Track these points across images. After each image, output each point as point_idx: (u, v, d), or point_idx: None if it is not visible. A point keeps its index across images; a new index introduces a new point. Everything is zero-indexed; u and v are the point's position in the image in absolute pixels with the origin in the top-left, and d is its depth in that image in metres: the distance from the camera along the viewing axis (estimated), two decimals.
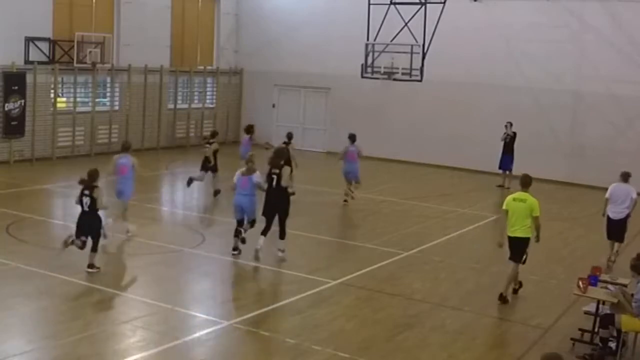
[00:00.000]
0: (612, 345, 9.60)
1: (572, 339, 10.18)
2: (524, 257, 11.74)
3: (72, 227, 15.15)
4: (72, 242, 12.01)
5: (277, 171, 13.16)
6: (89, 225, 11.95)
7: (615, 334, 9.56)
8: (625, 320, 9.33)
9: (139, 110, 25.84)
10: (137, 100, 25.75)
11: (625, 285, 10.14)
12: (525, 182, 11.65)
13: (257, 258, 12.97)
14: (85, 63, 23.30)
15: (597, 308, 9.96)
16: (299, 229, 15.94)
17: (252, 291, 11.63)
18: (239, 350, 9.50)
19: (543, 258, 14.68)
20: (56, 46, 22.95)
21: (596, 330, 9.86)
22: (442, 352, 9.69)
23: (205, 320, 10.30)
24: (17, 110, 21.93)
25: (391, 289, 12.21)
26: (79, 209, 11.98)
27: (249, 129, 19.46)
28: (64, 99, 24.45)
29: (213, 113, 28.87)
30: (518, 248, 11.62)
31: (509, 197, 11.74)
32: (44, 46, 22.73)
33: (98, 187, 11.92)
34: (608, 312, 9.72)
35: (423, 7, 20.75)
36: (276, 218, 13.31)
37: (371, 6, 21.87)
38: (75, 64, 23.13)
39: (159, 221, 16.61)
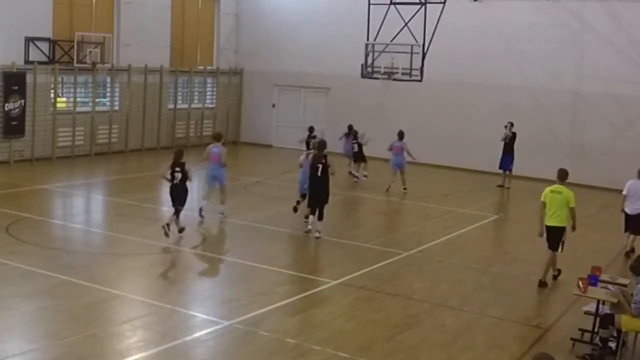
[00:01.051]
0: (612, 345, 9.61)
1: (572, 339, 10.18)
2: (561, 245, 12.68)
3: (72, 227, 15.32)
4: (168, 227, 13.96)
5: (323, 161, 14.93)
6: (180, 195, 14.29)
7: (615, 334, 9.56)
8: (625, 320, 9.33)
9: (139, 110, 25.83)
10: (137, 100, 25.75)
11: (625, 286, 10.14)
12: (562, 176, 12.64)
13: (308, 232, 15.18)
14: (85, 63, 23.29)
15: (597, 308, 9.95)
16: (299, 229, 15.94)
17: (252, 291, 11.61)
18: (239, 350, 9.50)
19: (543, 258, 14.68)
20: (56, 46, 22.95)
21: (596, 330, 9.86)
22: (442, 352, 9.69)
23: (205, 320, 10.30)
24: (17, 110, 21.94)
25: (391, 289, 12.20)
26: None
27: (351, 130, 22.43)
28: (64, 99, 24.45)
29: (213, 113, 28.87)
30: (555, 236, 12.57)
31: (547, 190, 12.60)
32: (44, 46, 22.73)
33: (185, 163, 14.31)
34: (608, 312, 9.72)
35: (423, 7, 20.75)
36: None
37: (371, 6, 21.87)
38: (75, 64, 23.12)
39: (159, 221, 16.59)
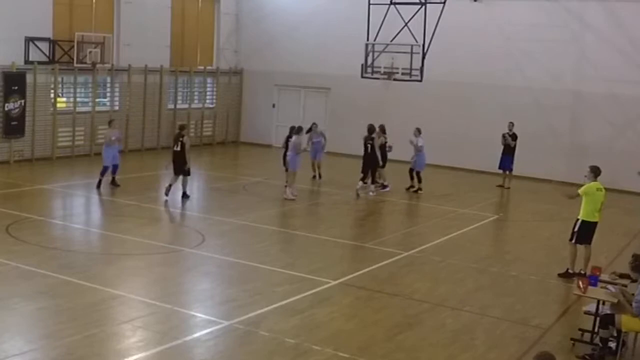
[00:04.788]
0: (612, 345, 9.61)
1: (572, 339, 10.18)
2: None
3: (72, 227, 15.33)
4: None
5: (371, 142, 19.55)
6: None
7: (615, 334, 9.56)
8: (625, 320, 9.32)
9: (139, 110, 25.83)
10: (137, 100, 25.75)
11: (625, 286, 10.13)
12: (598, 173, 13.08)
13: (357, 196, 19.43)
14: (85, 63, 23.28)
15: (597, 308, 9.95)
16: (298, 229, 15.97)
17: (252, 291, 11.61)
18: (239, 350, 9.49)
19: (543, 258, 14.70)
20: (56, 46, 22.94)
21: (596, 330, 9.86)
22: (442, 352, 9.68)
23: (205, 320, 10.30)
24: (17, 110, 21.93)
25: (391, 289, 12.20)
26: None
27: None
28: (64, 99, 24.44)
29: (213, 113, 28.87)
30: (594, 231, 13.16)
31: (592, 186, 12.94)
32: (44, 46, 22.73)
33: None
34: (608, 312, 9.72)
35: (423, 7, 20.75)
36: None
37: (371, 6, 21.87)
38: (75, 64, 23.10)
39: (159, 221, 16.61)
